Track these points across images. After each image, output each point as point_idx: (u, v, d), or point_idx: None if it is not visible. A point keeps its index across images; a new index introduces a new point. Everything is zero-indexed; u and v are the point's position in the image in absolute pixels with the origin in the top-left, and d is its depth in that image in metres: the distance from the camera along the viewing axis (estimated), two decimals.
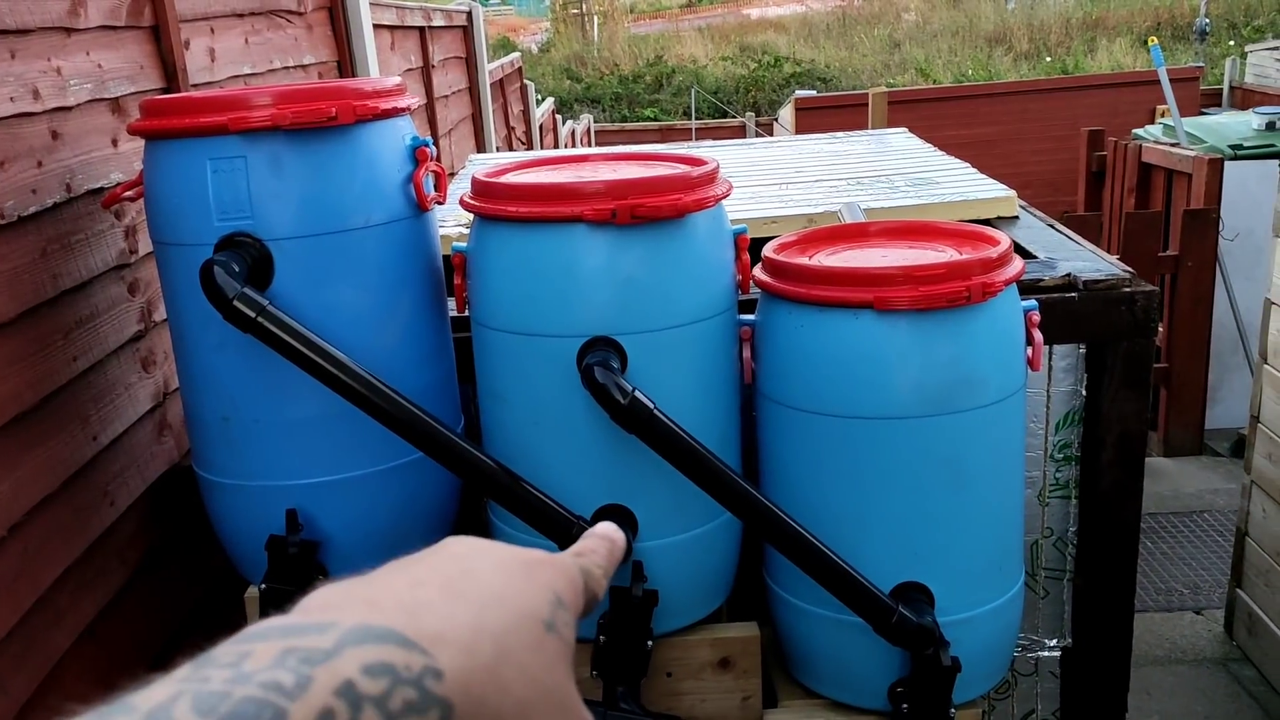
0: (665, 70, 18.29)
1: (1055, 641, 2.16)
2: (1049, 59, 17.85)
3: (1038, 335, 1.65)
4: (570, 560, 0.51)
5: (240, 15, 2.24)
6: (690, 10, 26.10)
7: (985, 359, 1.56)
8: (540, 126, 7.77)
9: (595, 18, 23.21)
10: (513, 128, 6.07)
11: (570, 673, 0.46)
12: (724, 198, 1.60)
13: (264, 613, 1.56)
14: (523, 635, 0.44)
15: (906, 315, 1.50)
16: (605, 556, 0.54)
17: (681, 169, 1.63)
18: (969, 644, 1.61)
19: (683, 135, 12.43)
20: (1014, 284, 1.60)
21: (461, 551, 0.48)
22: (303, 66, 2.51)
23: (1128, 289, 1.95)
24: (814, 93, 13.10)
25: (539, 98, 8.71)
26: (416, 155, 1.60)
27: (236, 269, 1.41)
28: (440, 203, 1.68)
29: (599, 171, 1.73)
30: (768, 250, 1.66)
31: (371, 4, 3.04)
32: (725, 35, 21.16)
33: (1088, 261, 2.07)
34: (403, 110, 1.58)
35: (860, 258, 1.68)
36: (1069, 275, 1.98)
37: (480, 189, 1.59)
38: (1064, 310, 1.95)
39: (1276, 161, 2.70)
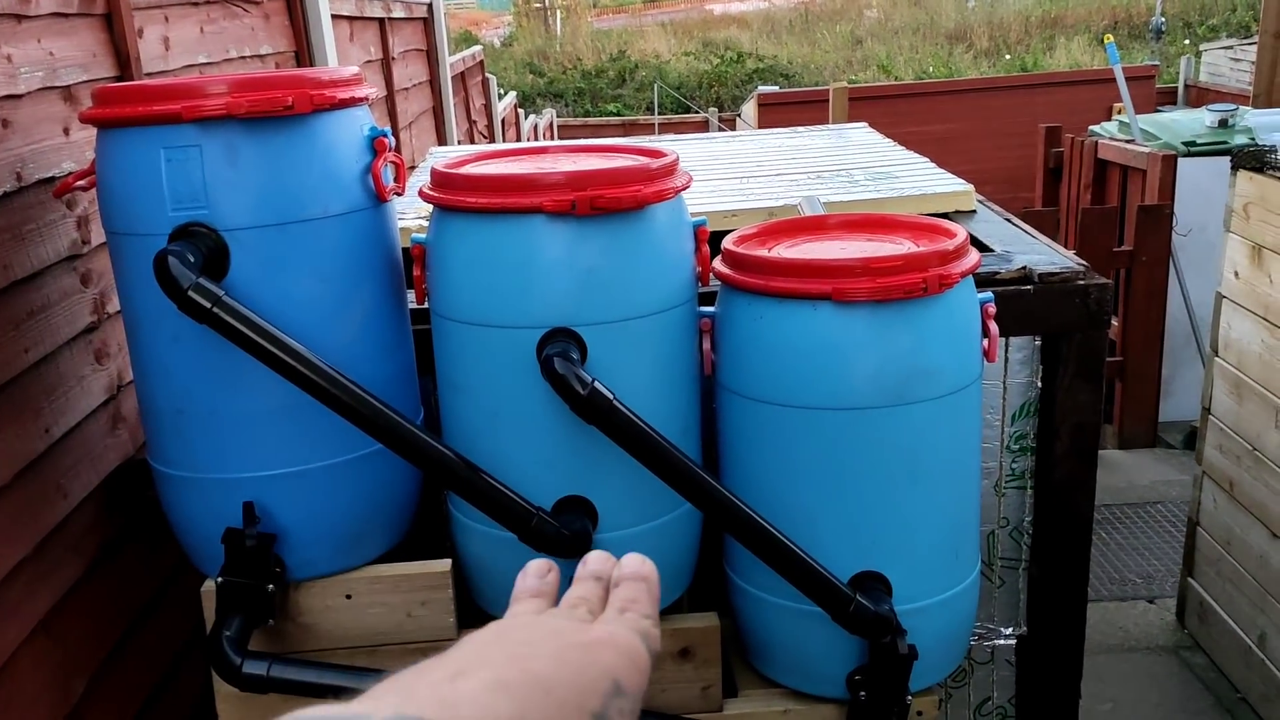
0: (628, 65, 18.29)
1: (1011, 630, 2.20)
2: (1009, 56, 18.05)
3: (993, 327, 1.66)
4: (631, 637, 0.50)
5: (195, 4, 2.21)
6: (653, 5, 26.09)
7: (942, 350, 1.58)
8: (502, 121, 7.73)
9: (558, 12, 23.14)
10: (474, 121, 6.04)
11: None
12: (684, 189, 1.60)
13: (220, 606, 1.55)
14: None
15: (864, 307, 1.51)
16: (649, 600, 0.54)
17: (641, 161, 1.63)
18: (926, 632, 1.63)
19: (646, 130, 12.43)
20: (970, 276, 1.62)
21: (522, 638, 0.48)
22: (259, 56, 2.48)
23: (1082, 282, 1.98)
24: (776, 88, 13.16)
25: (501, 92, 8.67)
26: (375, 145, 1.59)
27: (191, 259, 1.39)
28: (399, 194, 1.67)
29: (559, 163, 1.73)
30: (727, 242, 1.67)
31: None
32: (688, 31, 21.18)
33: (1043, 255, 2.10)
34: (360, 100, 1.57)
35: (819, 250, 1.70)
36: (1024, 268, 2.00)
37: (439, 180, 1.58)
38: (1019, 303, 1.98)
39: (1228, 158, 2.75)
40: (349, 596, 1.66)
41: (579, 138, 11.02)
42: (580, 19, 23.21)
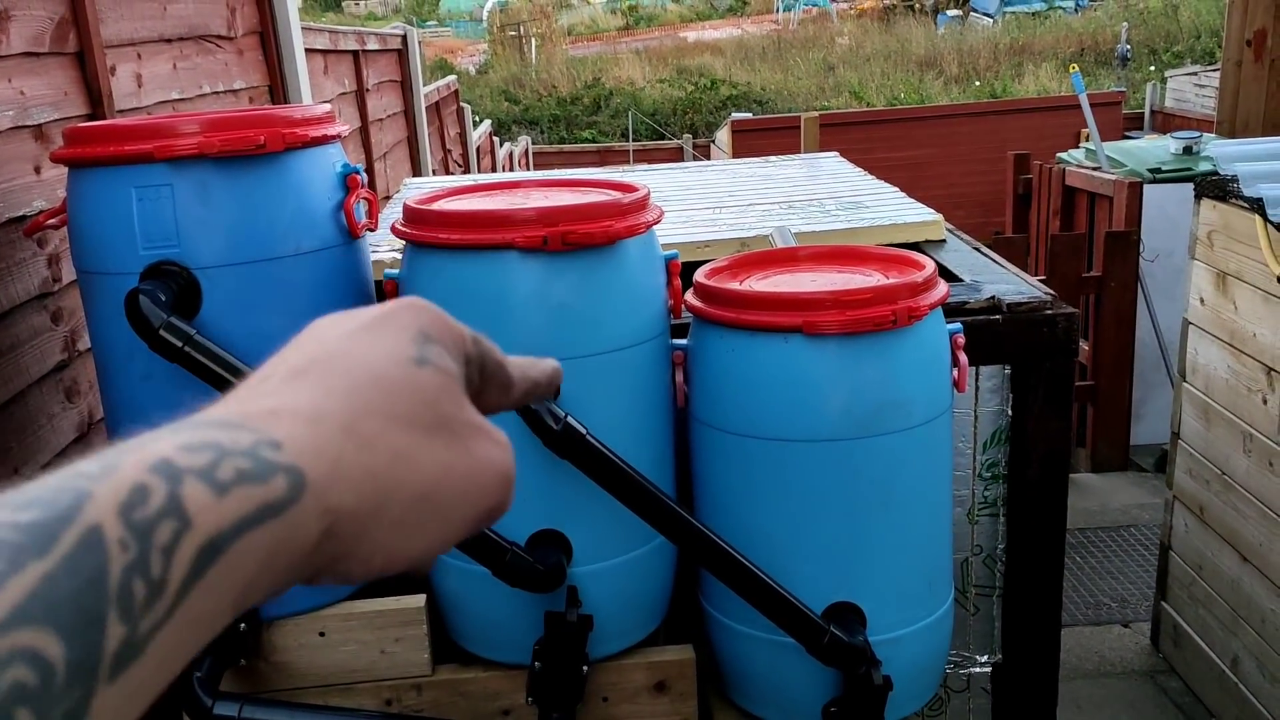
0: (603, 92, 18.40)
1: (986, 657, 2.20)
2: (978, 83, 18.29)
3: (963, 357, 1.68)
4: (438, 308, 0.47)
5: (168, 40, 2.21)
6: (628, 33, 26.28)
7: (912, 381, 1.59)
8: (477, 149, 7.76)
9: (533, 40, 23.27)
10: (449, 150, 6.05)
11: (464, 400, 0.43)
12: (655, 224, 1.62)
13: None
14: (384, 383, 0.41)
15: (835, 339, 1.52)
16: (523, 359, 0.52)
17: (613, 195, 1.64)
18: (900, 662, 1.64)
19: (620, 157, 12.50)
20: (939, 307, 1.64)
21: (313, 334, 0.45)
22: (233, 91, 2.49)
23: (1049, 311, 2.01)
24: (750, 115, 13.27)
25: (476, 120, 8.70)
26: (347, 182, 1.59)
27: (162, 298, 1.39)
28: (371, 229, 1.68)
29: (531, 198, 1.74)
30: (699, 275, 1.68)
31: (304, 28, 3.02)
32: (662, 58, 21.34)
33: (1011, 284, 2.13)
34: (333, 138, 1.58)
35: (790, 282, 1.71)
36: (993, 298, 2.02)
37: (412, 216, 1.59)
38: (989, 332, 2.00)
39: (1192, 185, 2.81)
40: (322, 634, 1.65)
41: (554, 165, 11.07)
42: (555, 46, 23.34)
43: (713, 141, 12.68)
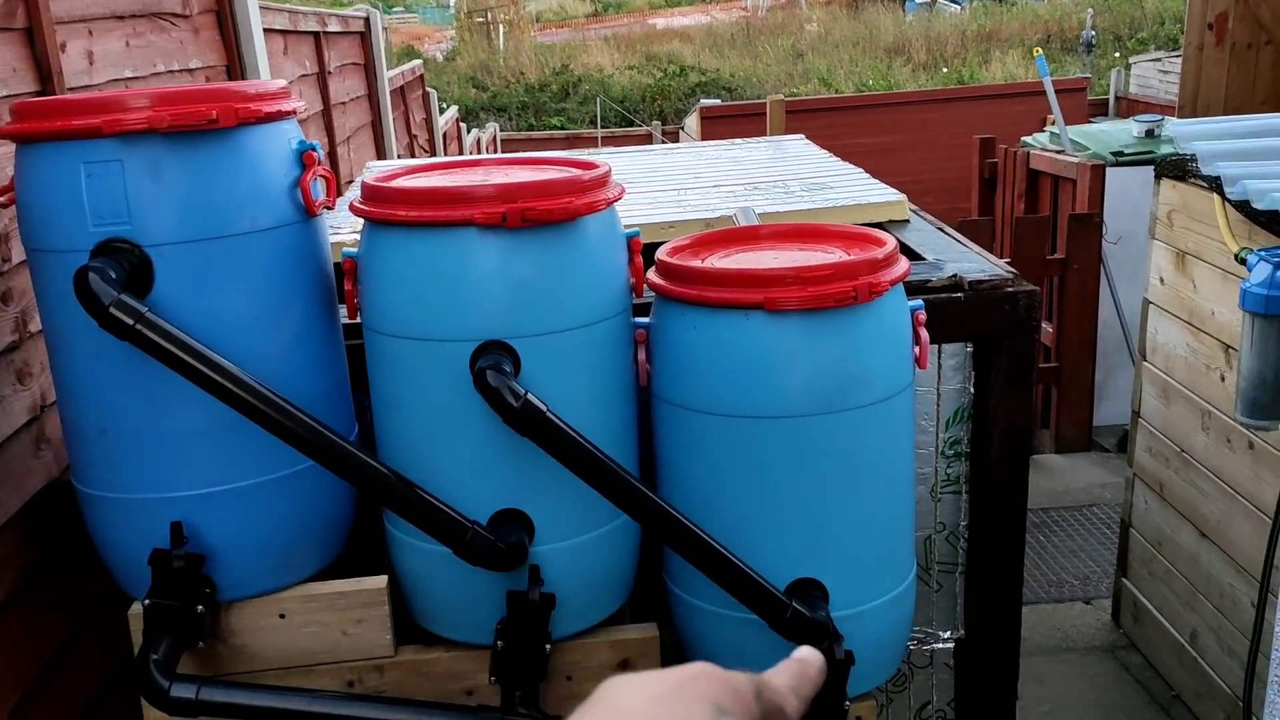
0: (571, 79, 18.31)
1: (949, 634, 2.22)
2: (945, 70, 18.37)
3: (924, 334, 1.69)
4: (732, 672, 0.51)
5: (121, 17, 2.17)
6: (596, 19, 26.16)
7: (873, 357, 1.60)
8: (444, 135, 7.70)
9: (501, 26, 23.11)
10: (415, 135, 6.00)
11: None
12: (616, 201, 1.61)
13: (148, 629, 1.52)
14: None
15: (796, 315, 1.52)
16: (792, 673, 0.54)
17: (573, 173, 1.63)
18: (863, 637, 1.65)
19: (589, 143, 12.46)
20: (900, 284, 1.64)
21: (614, 694, 0.48)
22: (189, 70, 2.45)
23: (1010, 289, 2.02)
24: (719, 102, 13.26)
25: (443, 106, 8.63)
26: (303, 159, 1.57)
27: (113, 275, 1.37)
28: (329, 208, 1.65)
29: (491, 175, 1.72)
30: (661, 253, 1.68)
31: (262, 8, 2.98)
32: (631, 45, 21.27)
33: (973, 263, 2.14)
34: (288, 113, 1.56)
35: (752, 260, 1.71)
36: (955, 276, 2.03)
37: (370, 194, 1.57)
38: (951, 310, 2.01)
39: (1153, 167, 2.84)
40: (282, 616, 1.64)
41: (522, 151, 11.00)
42: (523, 33, 23.19)
43: (681, 128, 12.66)
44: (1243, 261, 2.23)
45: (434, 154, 7.05)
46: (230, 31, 2.65)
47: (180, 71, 2.41)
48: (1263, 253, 2.15)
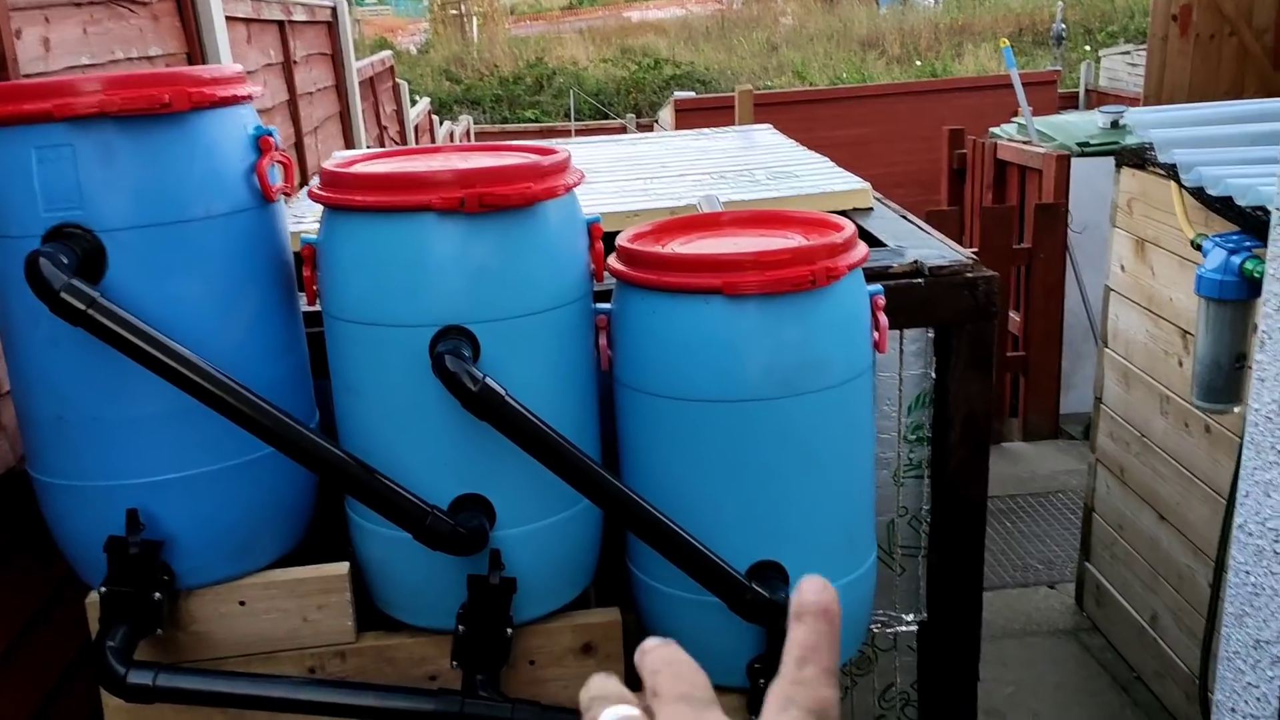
0: (545, 72, 18.26)
1: (912, 616, 2.24)
2: (919, 63, 18.46)
3: (883, 318, 1.70)
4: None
5: (78, 4, 2.15)
6: (571, 12, 26.09)
7: (831, 341, 1.61)
8: (416, 127, 7.66)
9: (474, 19, 23.00)
10: (385, 127, 5.97)
11: None
12: (575, 187, 1.61)
13: (105, 616, 1.51)
14: None
15: (755, 299, 1.53)
16: (830, 649, 0.50)
17: (532, 159, 1.63)
18: None
19: (563, 136, 12.41)
20: (859, 269, 1.65)
21: None
22: (148, 58, 2.43)
23: (970, 275, 2.04)
24: (693, 94, 13.25)
25: (415, 98, 8.59)
26: (260, 144, 1.56)
27: (65, 261, 1.36)
28: (287, 193, 1.65)
29: (450, 161, 1.72)
30: (622, 239, 1.68)
31: None
32: (606, 37, 21.23)
33: (934, 250, 2.15)
34: (243, 98, 1.55)
35: (712, 246, 1.72)
36: (916, 262, 2.05)
37: (328, 180, 1.57)
38: (912, 296, 2.02)
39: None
40: (242, 603, 1.63)
41: None
42: (497, 26, 23.10)
43: (656, 121, 12.64)
44: (1198, 248, 2.26)
45: (405, 145, 7.03)
46: (191, 19, 2.63)
47: (139, 59, 2.39)
48: (1217, 239, 2.19)
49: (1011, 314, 4.75)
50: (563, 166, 1.60)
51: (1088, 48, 16.97)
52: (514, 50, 20.05)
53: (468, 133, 11.26)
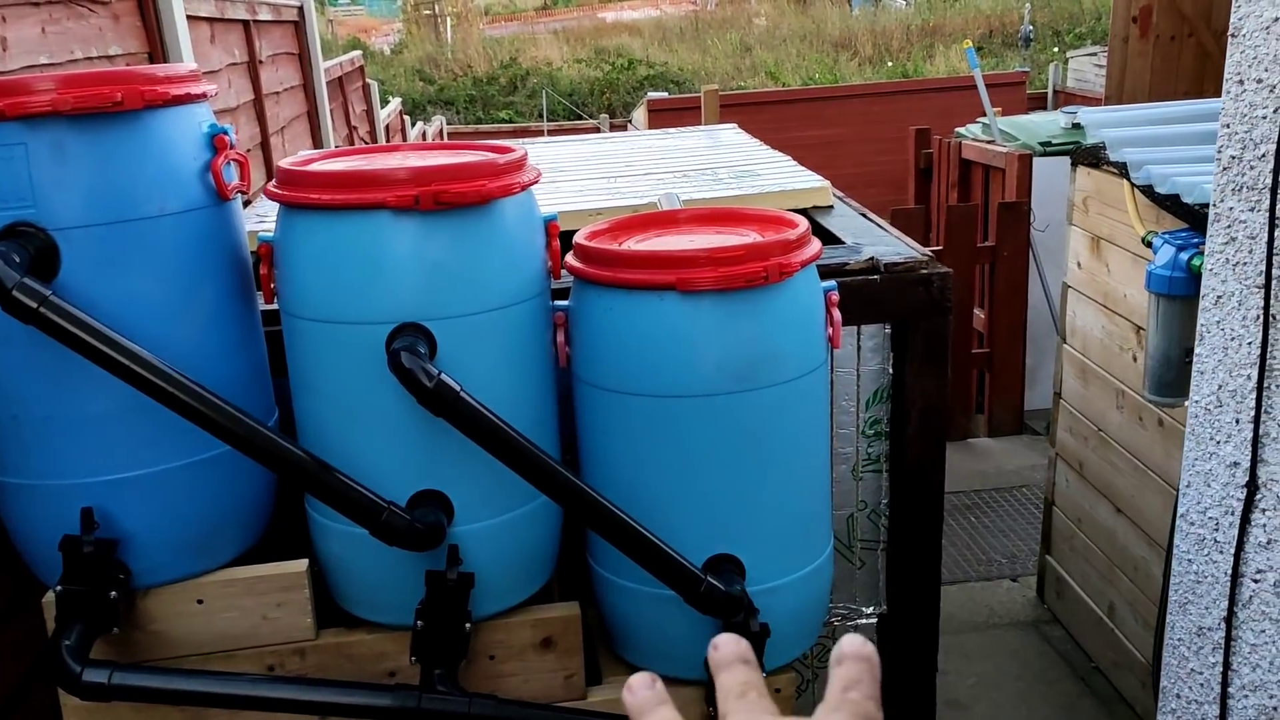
0: (519, 72, 18.25)
1: (872, 609, 2.27)
2: (890, 64, 18.58)
3: (837, 314, 1.73)
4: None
5: (36, 4, 2.14)
6: (545, 13, 26.07)
7: (786, 336, 1.63)
8: (387, 127, 7.64)
9: (449, 19, 22.95)
10: (354, 127, 5.96)
11: None
12: (531, 184, 1.62)
13: (60, 615, 1.51)
14: None
15: (709, 296, 1.55)
16: (871, 682, 0.55)
17: (488, 157, 1.65)
18: (780, 611, 1.68)
19: (536, 136, 12.42)
20: (813, 265, 1.68)
21: None
22: (108, 57, 2.42)
23: (925, 271, 2.07)
24: (666, 95, 13.29)
25: (387, 97, 8.56)
26: (215, 143, 1.57)
27: (16, 259, 1.36)
28: (243, 191, 1.65)
29: (407, 160, 1.73)
30: (579, 237, 1.70)
31: None
32: (580, 38, 21.24)
33: (890, 246, 2.18)
34: (198, 96, 1.55)
35: (668, 243, 1.74)
36: (872, 259, 2.08)
37: (284, 178, 1.57)
38: (868, 292, 2.05)
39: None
40: (201, 601, 1.63)
41: None
42: (472, 26, 23.04)
43: (629, 121, 12.67)
44: (1149, 244, 2.30)
45: None
46: (152, 18, 2.62)
47: (99, 58, 2.38)
48: (1166, 236, 2.23)
49: (976, 311, 4.81)
50: (519, 165, 1.62)
51: (1056, 49, 17.13)
52: (488, 51, 20.02)
53: (440, 133, 11.24)
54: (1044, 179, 4.41)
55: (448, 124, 13.34)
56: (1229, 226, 1.52)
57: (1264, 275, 1.43)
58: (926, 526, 2.19)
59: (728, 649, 0.60)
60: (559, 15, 25.66)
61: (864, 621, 2.28)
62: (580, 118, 15.32)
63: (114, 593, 1.53)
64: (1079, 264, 2.98)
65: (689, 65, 18.94)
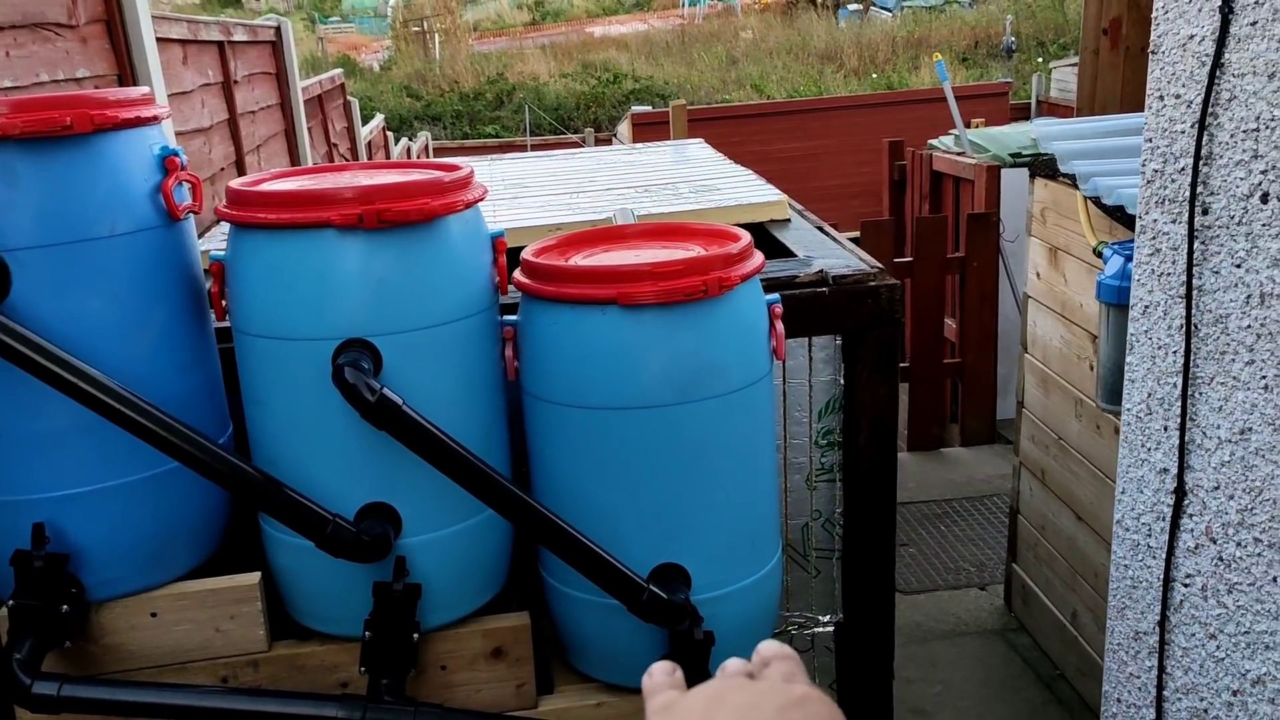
0: (506, 87, 18.33)
1: (828, 617, 2.30)
2: (875, 75, 18.69)
3: (780, 326, 1.76)
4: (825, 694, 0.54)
5: (0, 28, 2.18)
6: (534, 28, 26.19)
7: (727, 349, 1.66)
8: (369, 144, 7.68)
9: (437, 35, 23.04)
10: (335, 144, 6.00)
11: None
12: (476, 202, 1.66)
13: (12, 629, 1.53)
14: None
15: (650, 309, 1.59)
16: (804, 676, 0.59)
17: (433, 175, 1.68)
18: (727, 618, 1.71)
19: (520, 151, 12.48)
20: (756, 278, 1.71)
21: (742, 700, 0.52)
22: (76, 80, 2.45)
23: (873, 283, 2.10)
24: (650, 108, 13.37)
25: (373, 112, 8.60)
26: (166, 164, 1.60)
27: None
28: (195, 211, 1.69)
29: (356, 179, 1.77)
30: (526, 253, 1.73)
31: (159, 18, 2.99)
32: (568, 53, 21.34)
33: (840, 259, 2.22)
34: (149, 120, 1.59)
35: (613, 258, 1.77)
36: (821, 271, 2.11)
37: (234, 198, 1.61)
38: (818, 304, 2.09)
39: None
40: (154, 615, 1.66)
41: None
42: (460, 42, 23.14)
43: (614, 135, 12.73)
44: (1100, 255, 2.34)
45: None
46: (121, 40, 2.65)
47: (66, 81, 2.41)
48: (1116, 246, 2.27)
49: (948, 321, 4.85)
50: (464, 183, 1.65)
51: (1040, 59, 17.26)
52: (476, 66, 20.11)
53: (425, 148, 11.29)
54: (1012, 190, 4.46)
55: (434, 139, 13.39)
56: (1154, 238, 1.56)
57: (1185, 285, 1.47)
58: (880, 534, 2.22)
59: (658, 677, 0.64)
60: (547, 30, 25.78)
61: (820, 630, 2.30)
62: (564, 132, 15.39)
63: (65, 606, 1.55)
64: (1038, 274, 3.02)
65: (675, 79, 19.03)
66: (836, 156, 10.32)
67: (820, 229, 2.60)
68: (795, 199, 2.85)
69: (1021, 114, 12.53)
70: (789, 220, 2.62)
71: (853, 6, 24.13)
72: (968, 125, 8.52)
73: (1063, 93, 12.54)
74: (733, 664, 0.62)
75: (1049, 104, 12.75)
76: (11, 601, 1.54)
